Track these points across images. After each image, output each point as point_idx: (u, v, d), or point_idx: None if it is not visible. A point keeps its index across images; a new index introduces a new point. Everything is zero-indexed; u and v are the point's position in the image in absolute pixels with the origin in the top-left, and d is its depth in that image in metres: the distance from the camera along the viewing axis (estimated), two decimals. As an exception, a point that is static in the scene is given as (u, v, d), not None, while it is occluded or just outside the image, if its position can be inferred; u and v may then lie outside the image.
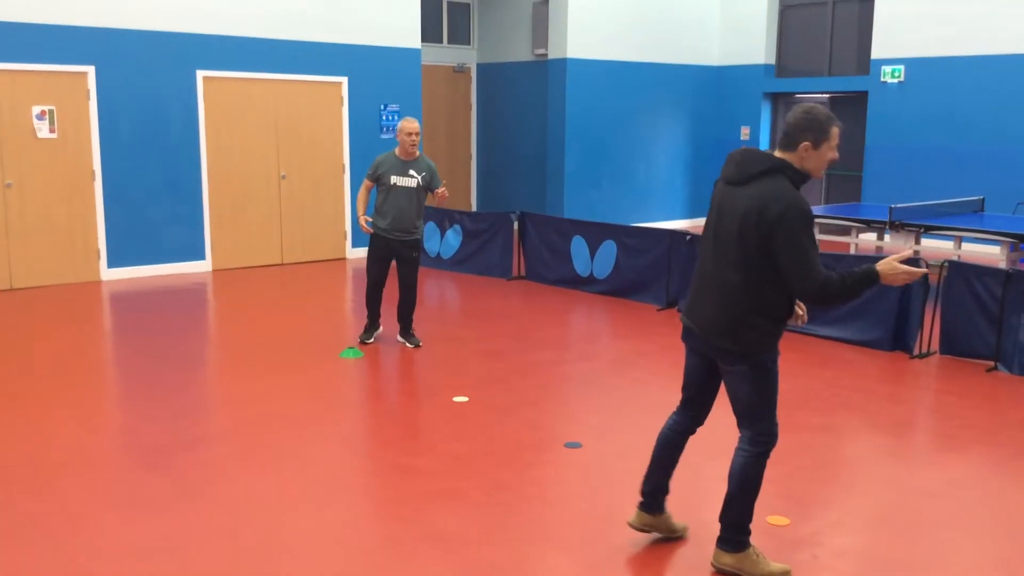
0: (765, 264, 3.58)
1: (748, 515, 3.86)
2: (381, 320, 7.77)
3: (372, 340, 7.66)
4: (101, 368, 7.04)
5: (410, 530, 4.24)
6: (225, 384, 6.62)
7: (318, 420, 5.80)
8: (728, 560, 3.87)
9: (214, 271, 11.07)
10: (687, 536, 4.23)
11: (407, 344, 7.60)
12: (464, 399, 6.18)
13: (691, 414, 4.08)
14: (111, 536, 4.17)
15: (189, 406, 6.04)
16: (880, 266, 3.62)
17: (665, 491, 4.14)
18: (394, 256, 7.41)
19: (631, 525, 4.16)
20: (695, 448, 4.49)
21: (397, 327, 7.71)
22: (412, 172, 7.28)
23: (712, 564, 3.93)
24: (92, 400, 6.20)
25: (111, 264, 10.45)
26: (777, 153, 3.69)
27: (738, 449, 3.86)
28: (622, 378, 6.75)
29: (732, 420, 3.89)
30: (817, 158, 3.63)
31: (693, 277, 3.94)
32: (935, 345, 7.45)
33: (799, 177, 3.65)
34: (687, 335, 3.97)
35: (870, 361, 7.27)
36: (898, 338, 7.52)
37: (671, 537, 4.20)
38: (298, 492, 4.66)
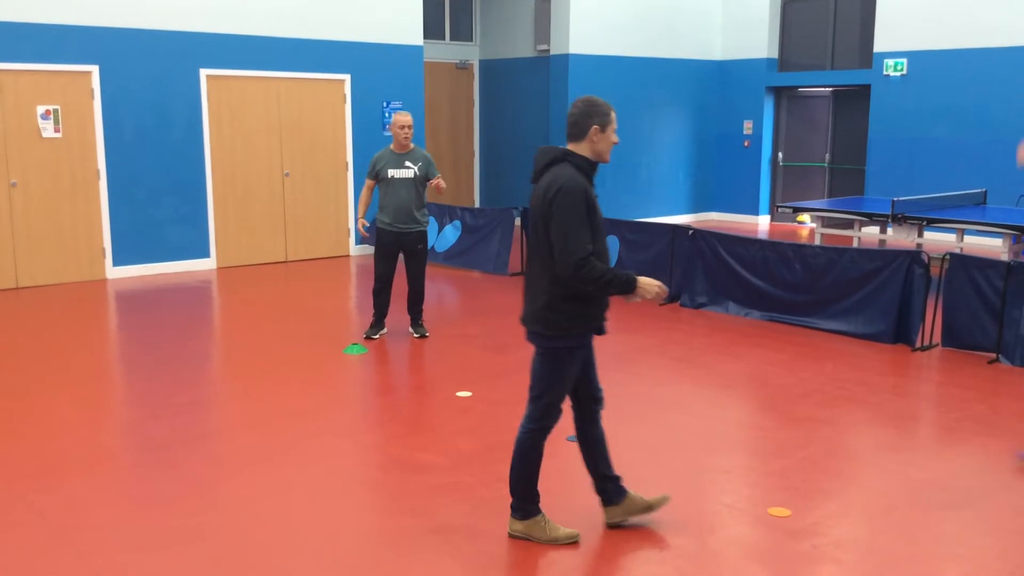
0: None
1: (531, 485, 4.09)
2: (387, 317, 7.83)
3: (377, 337, 7.71)
4: (107, 365, 7.08)
5: (416, 524, 4.28)
6: (231, 380, 6.66)
7: (323, 415, 5.84)
8: (519, 527, 4.13)
9: (219, 269, 11.11)
10: (668, 501, 4.32)
11: (414, 334, 7.73)
12: (467, 394, 6.21)
13: (576, 406, 4.20)
14: (119, 531, 4.21)
15: (195, 402, 6.08)
16: (641, 279, 3.88)
17: (612, 479, 4.24)
18: (401, 250, 7.55)
19: (608, 525, 4.24)
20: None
21: (406, 320, 7.85)
22: (408, 163, 7.43)
23: (508, 532, 4.16)
24: (98, 397, 6.24)
25: (116, 262, 10.50)
26: (569, 147, 3.90)
27: (521, 425, 4.07)
28: (624, 372, 6.78)
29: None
30: (605, 140, 3.89)
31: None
32: (937, 338, 7.47)
33: (586, 163, 3.88)
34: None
35: (872, 354, 7.29)
36: (900, 331, 7.54)
37: (655, 509, 4.28)
38: (304, 487, 4.70)
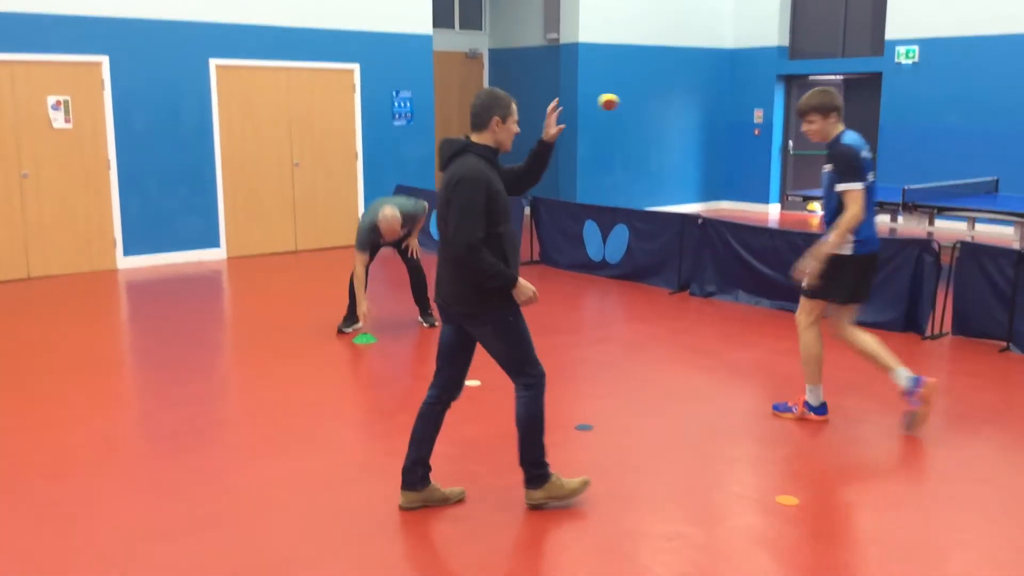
0: None
1: (541, 450, 4.27)
2: (398, 305, 7.88)
3: (350, 331, 7.51)
4: (119, 355, 7.12)
5: (425, 512, 4.30)
6: (241, 370, 6.69)
7: (333, 405, 5.86)
8: (539, 495, 4.28)
9: (229, 259, 11.15)
10: (464, 499, 4.38)
11: (424, 324, 7.73)
12: (476, 383, 6.22)
13: (441, 385, 4.33)
14: (132, 520, 4.24)
15: (206, 392, 6.11)
16: (520, 281, 4.03)
17: (426, 466, 4.33)
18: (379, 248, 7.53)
19: (401, 507, 4.30)
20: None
21: (415, 309, 7.87)
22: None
23: (527, 504, 4.30)
24: (110, 387, 6.28)
25: (127, 252, 10.54)
26: (473, 137, 4.10)
27: (517, 397, 4.23)
28: (633, 361, 6.79)
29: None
30: (506, 131, 4.13)
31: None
32: (947, 326, 7.45)
33: (488, 152, 4.09)
34: (441, 312, 4.24)
35: (882, 342, 7.25)
36: (910, 319, 7.52)
37: (447, 502, 4.35)
38: (314, 476, 4.73)
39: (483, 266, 3.93)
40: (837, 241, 5.07)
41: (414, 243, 7.60)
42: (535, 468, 4.27)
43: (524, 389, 4.20)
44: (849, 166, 5.02)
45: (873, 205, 5.21)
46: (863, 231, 5.11)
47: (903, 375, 5.25)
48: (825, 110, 5.10)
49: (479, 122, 4.09)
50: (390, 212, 7.06)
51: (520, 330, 4.15)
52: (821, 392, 5.49)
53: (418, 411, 4.35)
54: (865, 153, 5.12)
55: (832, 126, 5.14)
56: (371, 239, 7.29)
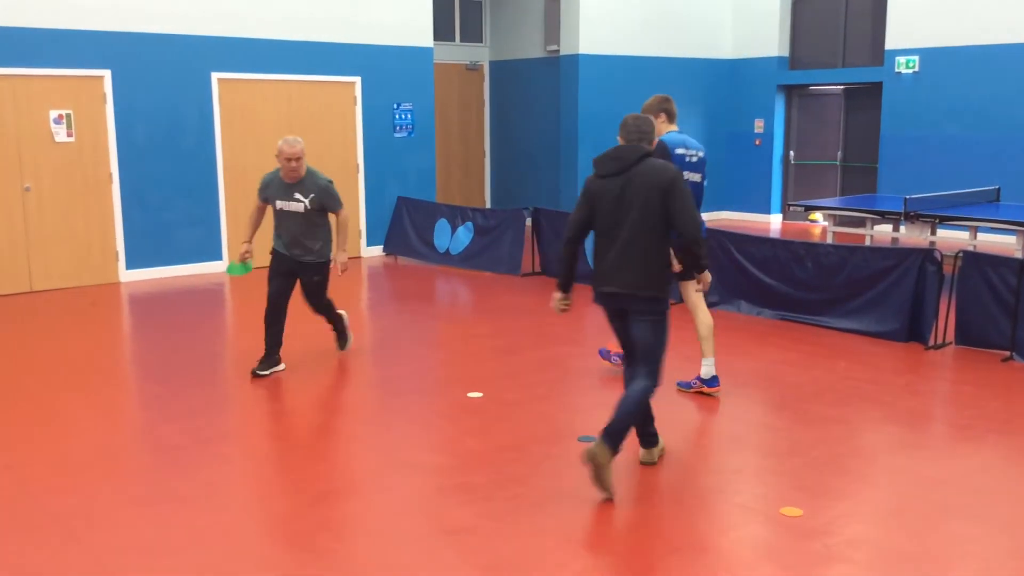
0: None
1: (634, 423, 4.82)
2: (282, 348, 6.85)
3: (268, 374, 6.66)
4: (120, 368, 7.12)
5: (426, 525, 4.28)
6: (243, 382, 6.68)
7: (335, 417, 5.85)
8: (656, 451, 5.04)
9: (231, 271, 11.15)
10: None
11: (340, 349, 7.14)
12: (478, 394, 6.21)
13: (631, 362, 4.92)
14: (133, 533, 4.23)
15: (208, 404, 6.10)
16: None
17: (652, 431, 5.03)
18: (297, 276, 6.73)
19: (642, 463, 5.00)
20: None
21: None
22: (298, 196, 6.50)
23: (646, 462, 4.98)
24: (112, 399, 6.28)
25: (129, 266, 10.55)
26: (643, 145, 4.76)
27: (640, 386, 4.69)
28: (636, 372, 6.77)
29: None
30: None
31: (605, 252, 4.83)
32: (950, 336, 7.44)
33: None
34: (610, 298, 4.83)
35: (885, 352, 7.26)
36: (913, 329, 7.51)
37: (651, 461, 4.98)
38: (315, 488, 4.71)
39: (705, 250, 4.85)
40: None
41: (343, 258, 6.80)
42: (619, 438, 4.59)
43: (646, 378, 4.70)
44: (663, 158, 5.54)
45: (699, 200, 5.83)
46: None
47: (709, 367, 6.09)
48: (654, 112, 5.85)
49: (645, 138, 4.80)
50: (293, 138, 6.45)
51: (668, 327, 4.81)
52: (713, 364, 6.14)
53: (625, 387, 4.85)
54: (681, 151, 5.83)
55: (663, 125, 5.89)
56: (269, 184, 6.60)
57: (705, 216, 15.77)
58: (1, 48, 9.50)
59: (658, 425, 5.09)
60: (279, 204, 6.56)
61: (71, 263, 10.17)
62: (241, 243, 6.80)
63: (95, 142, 10.19)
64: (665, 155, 5.65)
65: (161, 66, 10.49)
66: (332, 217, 6.80)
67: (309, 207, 6.53)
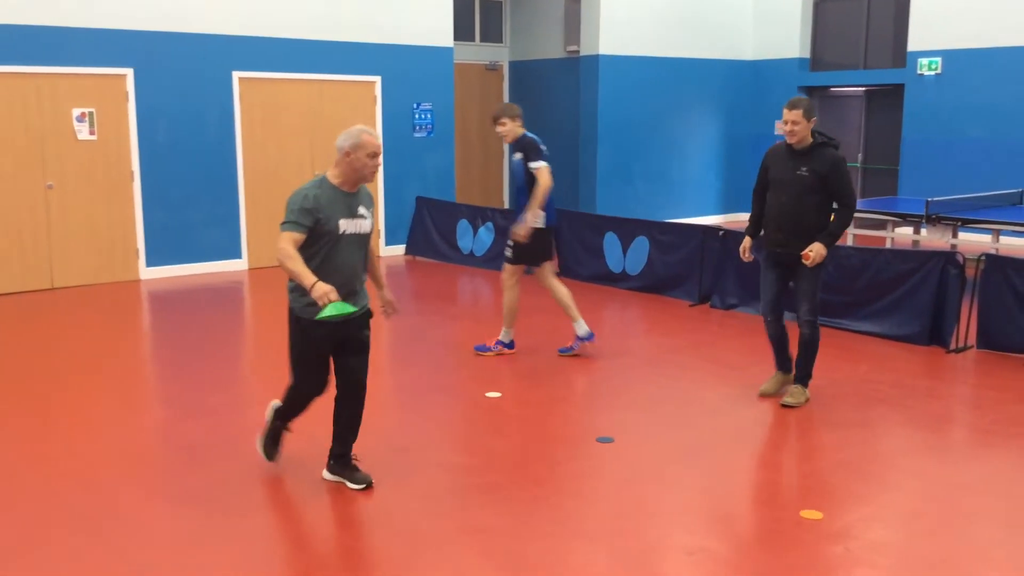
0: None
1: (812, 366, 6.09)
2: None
3: (277, 458, 5.01)
4: (141, 366, 7.16)
5: (447, 524, 4.29)
6: (264, 380, 6.71)
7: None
8: (806, 394, 6.03)
9: (250, 270, 11.20)
10: None
11: (349, 484, 4.71)
12: (497, 395, 6.22)
13: (773, 309, 6.05)
14: (158, 528, 4.26)
15: (228, 402, 6.13)
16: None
17: (791, 360, 6.25)
18: (342, 343, 4.62)
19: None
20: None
21: (326, 452, 4.90)
22: (362, 210, 4.51)
23: (791, 404, 5.91)
24: (134, 397, 6.32)
25: (150, 263, 10.61)
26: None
27: (808, 323, 5.88)
28: (654, 373, 6.76)
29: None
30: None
31: (777, 215, 5.87)
32: (972, 339, 7.38)
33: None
34: (781, 258, 5.91)
35: (906, 356, 7.22)
36: (934, 332, 7.46)
37: None
38: (337, 488, 4.73)
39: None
40: (536, 213, 6.73)
41: (387, 295, 4.88)
42: (806, 376, 6.02)
43: (809, 322, 5.87)
44: (536, 150, 6.73)
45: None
46: (548, 208, 6.84)
47: (582, 327, 7.12)
48: (512, 115, 6.80)
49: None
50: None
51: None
52: (512, 332, 7.25)
53: (768, 332, 6.16)
54: (543, 146, 6.84)
55: (519, 127, 6.85)
56: (322, 198, 4.35)
57: (723, 218, 15.85)
58: (25, 46, 9.58)
59: (672, 428, 5.07)
60: (343, 226, 4.40)
61: (92, 260, 10.24)
62: (316, 286, 4.11)
63: (117, 140, 10.25)
64: (539, 146, 6.76)
65: (183, 65, 10.55)
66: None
67: (371, 226, 4.64)
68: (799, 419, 5.77)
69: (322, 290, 4.09)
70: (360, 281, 4.63)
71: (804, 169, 5.71)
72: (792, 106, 5.71)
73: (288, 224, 4.30)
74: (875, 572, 3.86)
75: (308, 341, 4.54)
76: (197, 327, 8.24)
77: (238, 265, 11.19)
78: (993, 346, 7.22)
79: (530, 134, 6.87)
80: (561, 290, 7.13)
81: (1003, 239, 10.59)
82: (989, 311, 7.21)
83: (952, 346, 7.33)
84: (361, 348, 4.67)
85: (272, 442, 4.95)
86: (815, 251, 5.67)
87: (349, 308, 4.14)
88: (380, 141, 4.45)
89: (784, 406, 5.93)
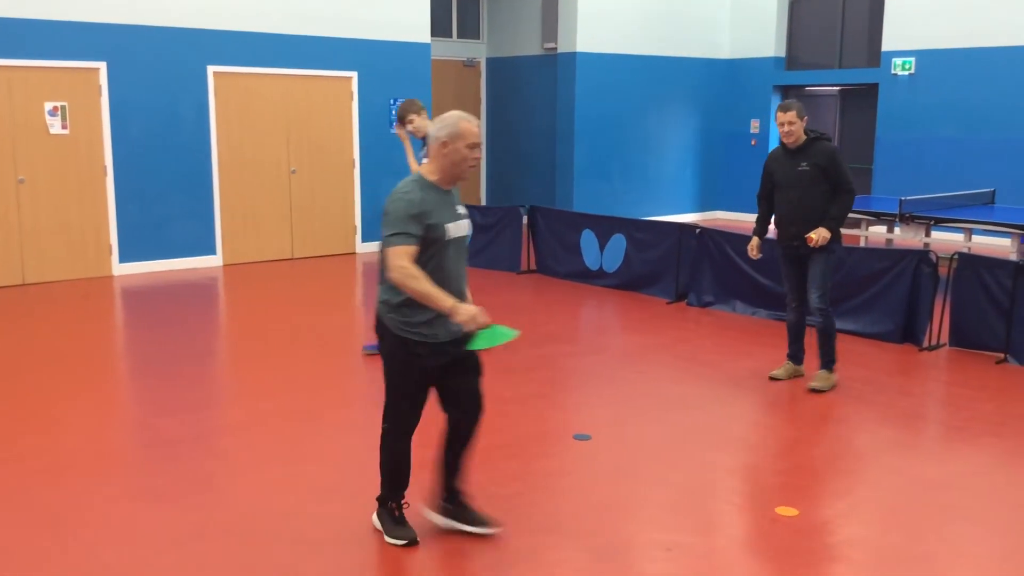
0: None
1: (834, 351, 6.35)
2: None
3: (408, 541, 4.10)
4: (114, 362, 7.09)
5: (425, 521, 4.27)
6: (238, 377, 6.67)
7: (331, 413, 5.84)
8: (834, 378, 6.34)
9: (225, 266, 11.12)
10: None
11: (476, 530, 4.13)
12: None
13: (798, 298, 6.32)
14: (129, 527, 4.21)
15: (203, 399, 6.09)
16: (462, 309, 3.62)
17: (801, 353, 6.56)
18: (453, 364, 3.96)
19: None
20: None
21: (435, 489, 4.27)
22: (461, 210, 3.98)
23: (819, 388, 6.19)
24: (106, 393, 6.25)
25: (123, 259, 10.51)
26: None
27: (822, 313, 6.15)
28: (631, 371, 6.78)
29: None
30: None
31: (789, 211, 6.15)
32: (945, 337, 7.45)
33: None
34: (794, 250, 6.18)
35: (880, 354, 7.27)
36: (908, 330, 7.52)
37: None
38: (312, 484, 4.70)
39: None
40: None
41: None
42: (831, 361, 6.28)
43: (821, 310, 6.12)
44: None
45: None
46: None
47: None
48: (417, 110, 6.71)
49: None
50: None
51: None
52: None
53: (790, 325, 6.46)
54: None
55: (426, 120, 6.61)
56: (426, 201, 3.73)
57: (699, 216, 15.91)
58: (-4, 39, 9.46)
59: (648, 425, 5.08)
60: (450, 230, 3.84)
61: (64, 256, 10.13)
62: (459, 310, 3.64)
63: (90, 134, 10.14)
64: None
65: (157, 59, 10.45)
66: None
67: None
68: (775, 416, 5.80)
69: (469, 313, 3.51)
70: (467, 289, 4.03)
71: (805, 164, 6.05)
72: (786, 108, 6.01)
73: (398, 237, 3.63)
74: (851, 567, 3.88)
75: (415, 371, 3.85)
76: (171, 323, 8.16)
77: (212, 261, 11.10)
78: (965, 344, 7.29)
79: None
80: None
81: (975, 238, 10.71)
82: (962, 310, 7.28)
83: (925, 344, 7.40)
84: (477, 365, 4.03)
85: (401, 524, 4.08)
86: (819, 233, 5.94)
87: (510, 332, 3.43)
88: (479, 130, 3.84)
89: (811, 391, 6.21)
